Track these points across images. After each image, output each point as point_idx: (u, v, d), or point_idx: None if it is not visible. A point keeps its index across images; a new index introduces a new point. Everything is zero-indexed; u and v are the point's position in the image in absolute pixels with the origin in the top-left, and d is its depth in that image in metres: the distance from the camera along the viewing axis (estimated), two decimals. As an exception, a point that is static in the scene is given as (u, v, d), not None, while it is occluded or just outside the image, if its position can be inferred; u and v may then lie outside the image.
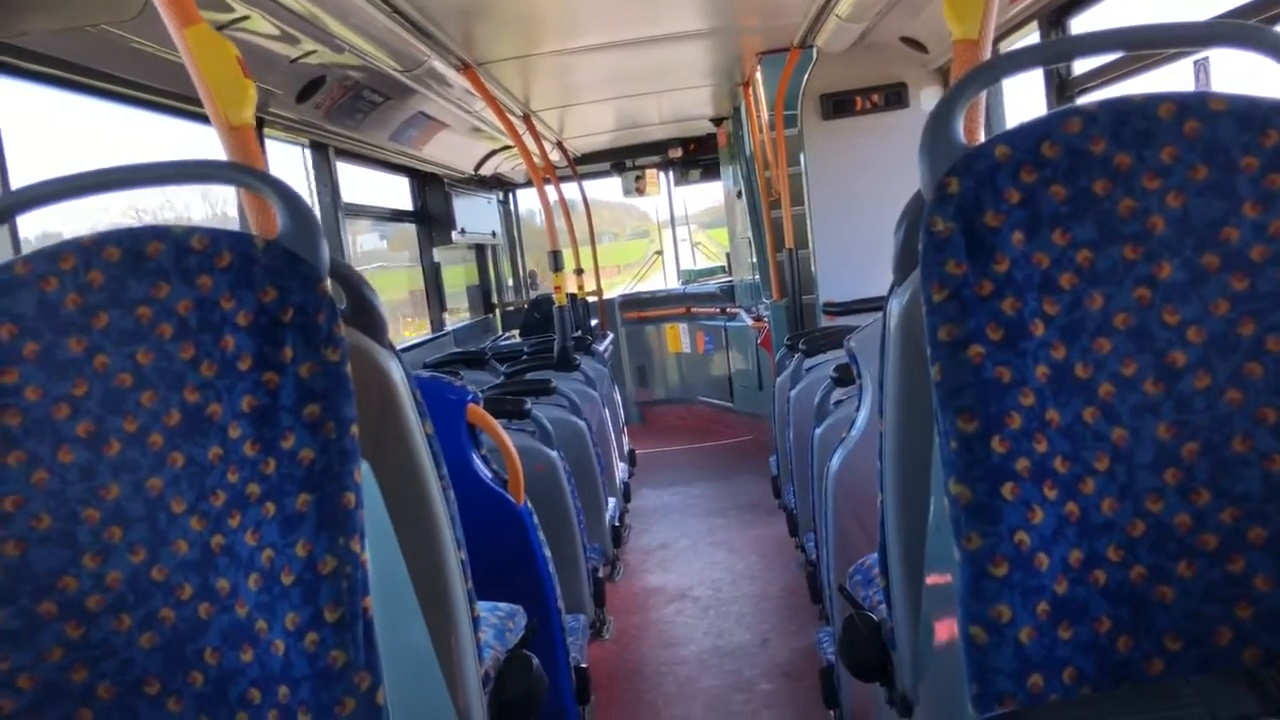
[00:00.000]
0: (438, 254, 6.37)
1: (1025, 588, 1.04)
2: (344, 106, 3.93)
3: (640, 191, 8.33)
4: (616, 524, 4.37)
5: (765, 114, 5.43)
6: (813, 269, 4.82)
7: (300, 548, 1.07)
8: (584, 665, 2.79)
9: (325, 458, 1.09)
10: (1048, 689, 1.04)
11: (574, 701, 2.66)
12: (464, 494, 1.63)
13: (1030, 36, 3.37)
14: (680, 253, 9.15)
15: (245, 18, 2.67)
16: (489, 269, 7.71)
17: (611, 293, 8.50)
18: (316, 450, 1.09)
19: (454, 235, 6.31)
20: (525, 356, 5.08)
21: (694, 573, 4.38)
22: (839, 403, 3.02)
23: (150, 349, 1.15)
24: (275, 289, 1.13)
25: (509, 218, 8.35)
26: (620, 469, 5.20)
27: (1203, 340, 1.09)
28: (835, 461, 2.50)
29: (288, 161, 4.27)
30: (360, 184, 5.25)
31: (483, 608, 1.76)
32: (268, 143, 3.89)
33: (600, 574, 3.71)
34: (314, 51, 3.18)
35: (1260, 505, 1.07)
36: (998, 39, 3.45)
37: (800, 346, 3.90)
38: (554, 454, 3.29)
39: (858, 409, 2.53)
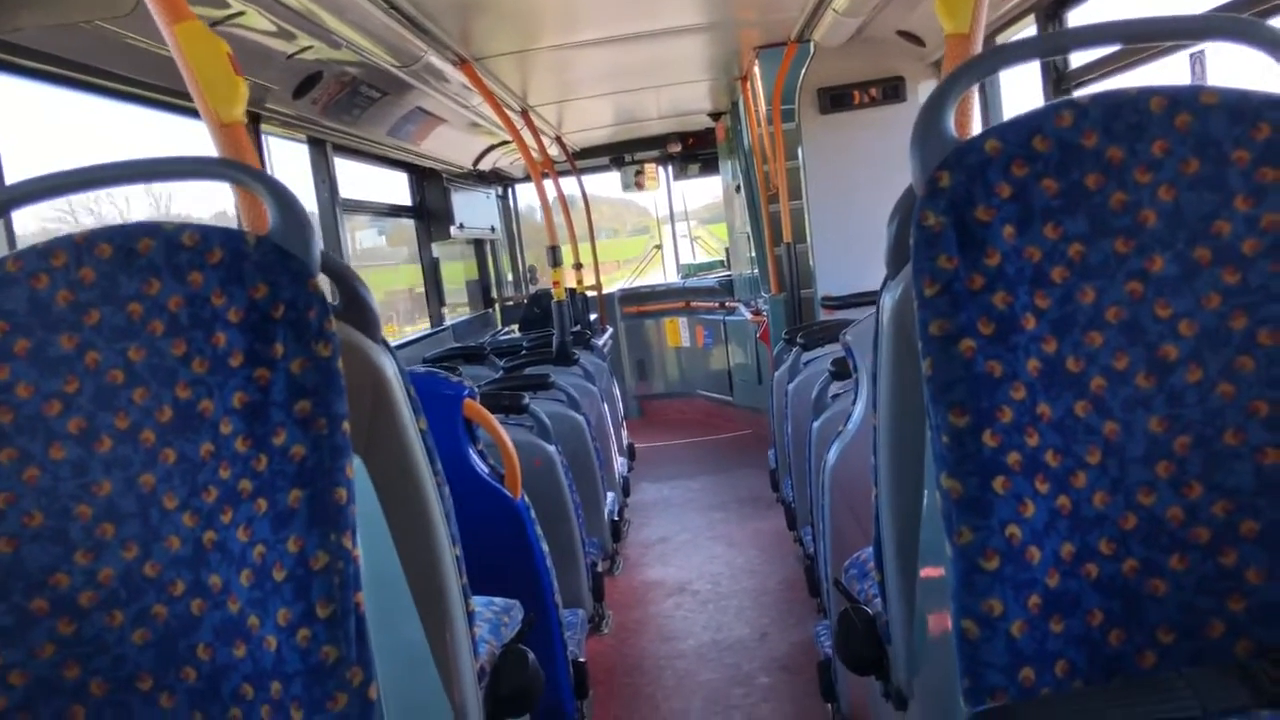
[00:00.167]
0: (437, 249, 6.37)
1: (1017, 581, 1.04)
2: (341, 102, 3.92)
3: (639, 186, 8.33)
4: (615, 518, 4.37)
5: (763, 108, 5.42)
6: (811, 263, 4.82)
7: (292, 543, 1.07)
8: (582, 660, 2.79)
9: (317, 453, 1.09)
10: (1039, 682, 1.04)
11: (572, 696, 2.66)
12: (460, 489, 1.63)
13: (1028, 30, 3.36)
14: (679, 247, 9.15)
15: (241, 13, 2.66)
16: (488, 264, 7.70)
17: (611, 287, 8.50)
18: (308, 446, 1.09)
19: (453, 230, 6.30)
20: (524, 351, 5.09)
21: (693, 567, 4.38)
22: (836, 396, 3.02)
23: (141, 345, 1.15)
24: (266, 285, 1.13)
25: (508, 213, 8.35)
26: (619, 463, 5.20)
27: (1194, 334, 1.09)
28: (831, 455, 2.50)
29: (291, 158, 4.27)
30: (359, 180, 5.26)
31: (478, 603, 1.76)
32: (271, 140, 3.90)
33: (599, 568, 3.71)
34: (310, 47, 3.18)
35: (1252, 498, 1.07)
36: (996, 32, 3.45)
37: (798, 340, 3.90)
38: (552, 449, 3.29)
39: (854, 403, 2.53)
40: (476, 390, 2.55)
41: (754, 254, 5.99)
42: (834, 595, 2.37)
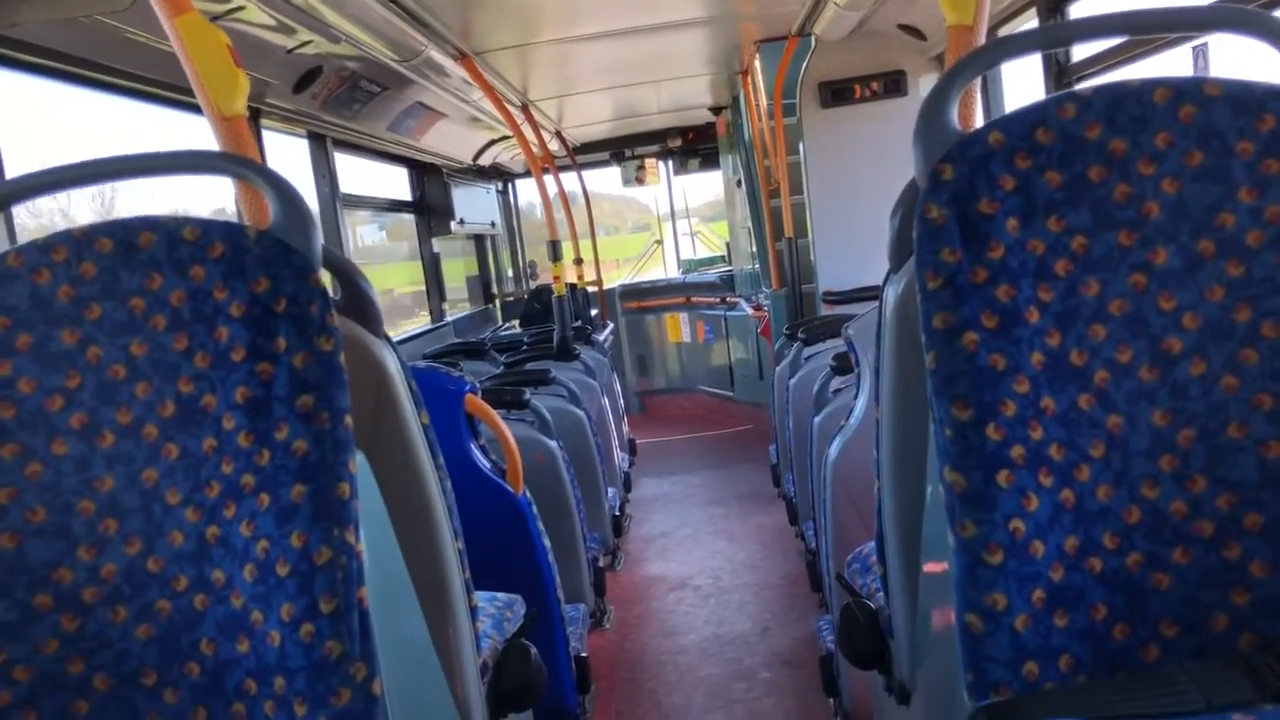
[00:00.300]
0: (437, 244, 6.36)
1: (1020, 575, 1.04)
2: (341, 97, 3.92)
3: (640, 181, 8.32)
4: (617, 513, 4.38)
5: (764, 102, 5.42)
6: (812, 258, 4.81)
7: (295, 538, 1.07)
8: (584, 654, 2.79)
9: (319, 448, 1.09)
10: (1043, 677, 1.03)
11: (574, 691, 2.67)
12: (462, 484, 1.63)
13: (1030, 22, 3.35)
14: (680, 243, 9.14)
15: (241, 8, 2.66)
16: (489, 259, 7.70)
17: (612, 283, 8.50)
18: (310, 441, 1.09)
19: (453, 225, 6.30)
20: (525, 347, 5.09)
21: (695, 561, 4.39)
22: (838, 391, 3.02)
23: (143, 340, 1.15)
24: (268, 279, 1.13)
25: (508, 208, 8.34)
26: (620, 458, 5.20)
27: (1198, 326, 1.09)
28: (833, 450, 2.50)
29: (290, 155, 4.27)
30: (360, 175, 5.25)
31: (481, 598, 1.76)
32: (269, 134, 3.90)
33: (601, 563, 3.72)
34: (310, 41, 3.17)
35: (1256, 492, 1.07)
36: (997, 25, 3.44)
37: (799, 335, 3.90)
38: (553, 444, 3.29)
39: (856, 397, 2.53)
40: (478, 385, 2.54)
41: (755, 249, 5.99)
42: (836, 590, 2.38)
